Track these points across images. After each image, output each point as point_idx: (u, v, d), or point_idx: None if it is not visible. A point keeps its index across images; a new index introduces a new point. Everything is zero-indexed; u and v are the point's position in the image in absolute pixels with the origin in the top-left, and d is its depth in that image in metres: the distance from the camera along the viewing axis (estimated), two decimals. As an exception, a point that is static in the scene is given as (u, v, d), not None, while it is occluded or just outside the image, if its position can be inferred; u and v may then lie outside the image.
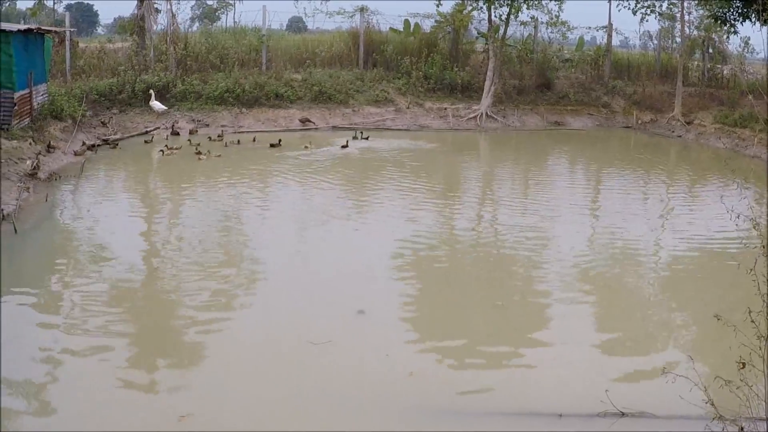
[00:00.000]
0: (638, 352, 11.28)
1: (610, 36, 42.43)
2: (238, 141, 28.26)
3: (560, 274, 14.52)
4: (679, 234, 17.89)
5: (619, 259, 15.78)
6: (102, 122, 30.11)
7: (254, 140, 28.89)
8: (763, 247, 7.36)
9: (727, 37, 42.05)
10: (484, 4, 37.20)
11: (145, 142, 28.34)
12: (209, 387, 9.66)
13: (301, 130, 32.89)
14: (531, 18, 40.18)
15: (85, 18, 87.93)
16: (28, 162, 20.73)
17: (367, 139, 30.76)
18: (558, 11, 38.18)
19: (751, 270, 7.28)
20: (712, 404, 7.79)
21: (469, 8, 38.56)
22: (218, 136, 29.45)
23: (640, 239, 17.34)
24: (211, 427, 8.76)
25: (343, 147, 28.58)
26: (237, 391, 9.58)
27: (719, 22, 34.89)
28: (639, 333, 12.07)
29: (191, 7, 71.79)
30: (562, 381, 10.12)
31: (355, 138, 30.42)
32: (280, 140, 28.89)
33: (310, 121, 33.67)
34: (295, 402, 9.38)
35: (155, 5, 36.95)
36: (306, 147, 28.44)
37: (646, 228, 18.51)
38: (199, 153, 25.36)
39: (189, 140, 27.96)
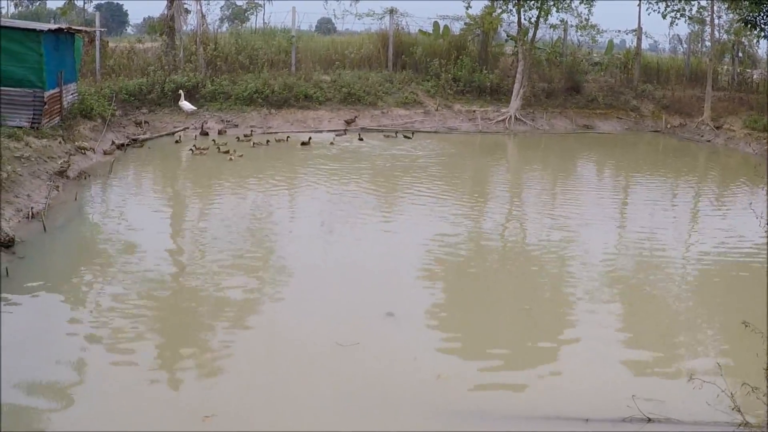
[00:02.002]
0: (665, 358, 11.24)
1: (639, 39, 42.29)
2: (267, 142, 28.39)
3: (588, 279, 14.48)
4: (708, 240, 17.79)
5: (647, 265, 15.68)
6: (136, 123, 30.27)
7: (287, 139, 29.17)
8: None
9: (757, 41, 41.94)
10: (513, 6, 37.16)
11: (176, 142, 28.49)
12: (234, 388, 9.67)
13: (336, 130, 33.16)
14: (560, 21, 40.06)
15: (115, 18, 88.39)
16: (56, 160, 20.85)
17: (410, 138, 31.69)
18: (587, 14, 38.04)
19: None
20: (739, 411, 7.77)
21: (499, 11, 38.44)
22: (245, 135, 29.63)
23: (668, 245, 17.27)
24: (235, 428, 8.77)
25: (360, 139, 30.68)
26: (263, 392, 9.62)
27: (749, 26, 34.67)
28: (666, 338, 12.01)
29: (220, 8, 71.87)
30: (588, 385, 10.10)
31: (404, 137, 31.58)
32: (310, 138, 29.63)
33: (354, 121, 33.89)
34: (321, 403, 9.38)
35: (185, 6, 37.09)
36: (331, 143, 29.56)
37: (675, 234, 18.45)
38: (227, 152, 25.54)
39: (213, 140, 28.07)
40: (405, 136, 31.70)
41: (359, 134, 31.61)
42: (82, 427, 8.67)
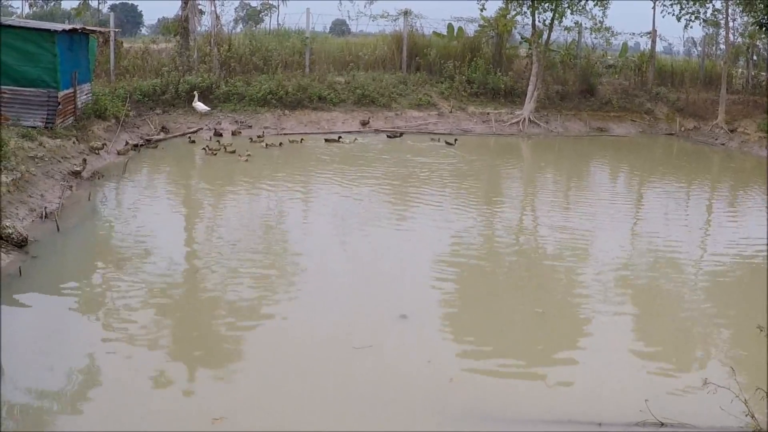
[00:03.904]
0: (679, 362, 11.21)
1: (654, 42, 42.21)
2: (280, 144, 28.38)
3: (601, 283, 14.44)
4: (722, 244, 17.74)
5: (661, 269, 15.66)
6: (163, 128, 30.27)
7: (301, 141, 29.26)
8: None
9: (772, 44, 41.83)
10: (528, 8, 37.11)
11: (191, 141, 28.60)
12: (246, 390, 9.67)
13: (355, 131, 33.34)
14: (575, 23, 39.91)
15: (130, 18, 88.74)
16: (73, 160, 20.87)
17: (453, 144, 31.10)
18: (602, 17, 37.96)
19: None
20: (752, 416, 7.74)
21: (513, 13, 38.34)
22: (258, 136, 29.71)
23: (681, 249, 17.22)
24: (245, 430, 8.77)
25: (392, 137, 31.58)
26: (274, 395, 9.61)
27: (764, 29, 34.60)
28: (680, 343, 11.99)
29: (235, 9, 72.17)
30: (601, 390, 10.07)
31: (446, 143, 31.14)
32: (339, 137, 30.73)
33: (369, 123, 33.98)
34: (333, 406, 9.39)
35: (199, 6, 37.17)
36: (355, 139, 30.43)
37: (688, 238, 18.38)
38: (233, 152, 25.78)
39: (218, 140, 28.50)
40: (447, 142, 31.16)
41: (399, 133, 32.19)
42: (91, 427, 8.68)
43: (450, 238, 17.10)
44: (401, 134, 32.52)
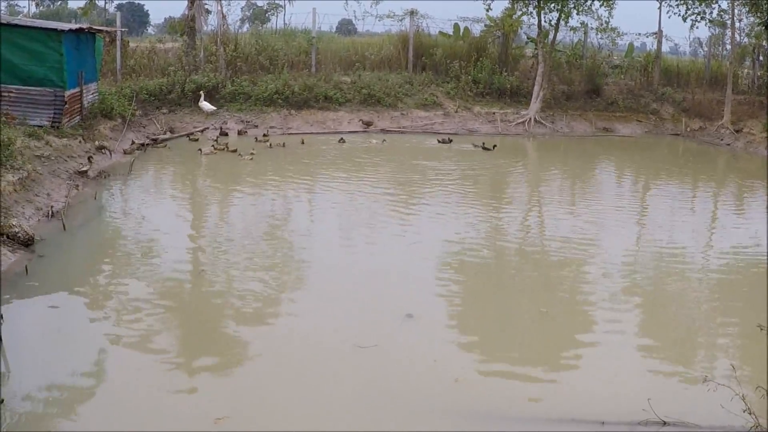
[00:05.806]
0: (681, 361, 11.22)
1: (659, 42, 42.12)
2: (284, 144, 28.36)
3: (605, 283, 14.45)
4: (726, 244, 17.75)
5: (665, 269, 15.67)
6: (170, 129, 30.38)
7: (302, 142, 29.15)
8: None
9: (778, 45, 41.72)
10: (534, 9, 37.08)
11: (195, 140, 28.86)
12: (250, 390, 9.68)
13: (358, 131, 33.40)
14: (581, 24, 39.90)
15: (136, 18, 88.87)
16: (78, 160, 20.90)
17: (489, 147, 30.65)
18: (608, 17, 37.88)
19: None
20: (752, 413, 7.77)
21: (519, 13, 38.27)
22: (263, 135, 29.81)
23: (686, 249, 17.22)
24: (248, 430, 8.78)
25: (442, 142, 31.44)
26: (278, 395, 9.62)
27: (770, 29, 34.59)
28: (683, 342, 12.01)
29: (241, 9, 72.12)
30: (605, 389, 10.10)
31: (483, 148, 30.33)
32: (342, 138, 30.65)
33: (371, 123, 34.09)
34: (338, 406, 9.40)
35: (206, 6, 37.19)
36: (383, 141, 30.84)
37: (693, 238, 18.39)
38: (234, 151, 26.01)
39: (216, 139, 28.89)
40: (485, 148, 30.35)
41: (448, 138, 32.24)
42: (94, 426, 8.71)
43: (455, 237, 17.12)
44: (450, 140, 32.08)
